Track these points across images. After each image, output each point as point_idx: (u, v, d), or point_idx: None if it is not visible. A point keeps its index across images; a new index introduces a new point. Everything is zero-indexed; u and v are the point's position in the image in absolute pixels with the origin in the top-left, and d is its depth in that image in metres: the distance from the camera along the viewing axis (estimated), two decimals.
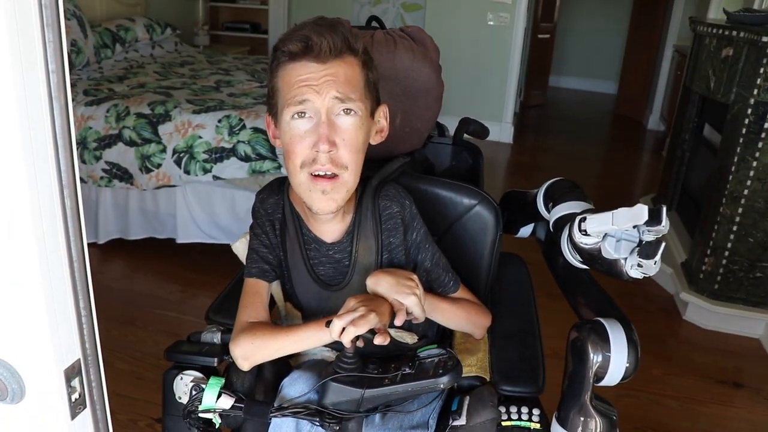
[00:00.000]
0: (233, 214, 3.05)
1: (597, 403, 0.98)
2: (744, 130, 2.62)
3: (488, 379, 1.18)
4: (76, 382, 0.76)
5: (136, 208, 3.14)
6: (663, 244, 0.78)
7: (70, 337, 0.74)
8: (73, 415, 0.76)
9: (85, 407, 0.78)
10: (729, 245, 2.72)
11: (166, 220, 3.14)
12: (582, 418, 0.97)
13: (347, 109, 1.03)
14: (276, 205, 1.19)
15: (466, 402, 1.10)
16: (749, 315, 2.73)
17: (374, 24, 1.43)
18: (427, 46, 1.29)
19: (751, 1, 3.54)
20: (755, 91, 2.56)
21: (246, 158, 2.86)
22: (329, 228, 1.15)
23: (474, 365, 1.20)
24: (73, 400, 0.75)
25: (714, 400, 2.35)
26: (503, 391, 1.15)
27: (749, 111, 2.59)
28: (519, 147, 5.52)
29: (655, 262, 0.80)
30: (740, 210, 2.67)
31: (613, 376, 0.95)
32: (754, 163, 2.60)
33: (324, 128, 1.01)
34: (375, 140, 1.14)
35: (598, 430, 0.97)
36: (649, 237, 0.81)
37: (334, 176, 1.04)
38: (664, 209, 0.76)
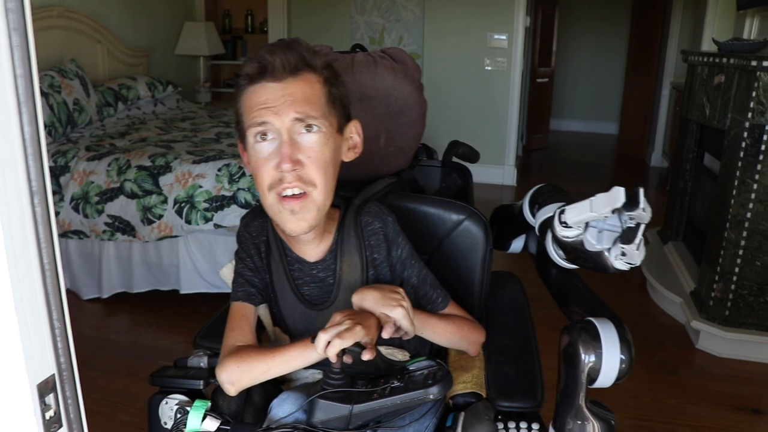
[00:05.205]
0: None
1: (592, 406, 0.95)
2: (742, 154, 2.61)
3: (484, 396, 1.15)
4: (50, 399, 0.74)
5: (139, 260, 3.14)
6: (643, 227, 0.76)
7: (43, 351, 0.72)
8: None
9: (60, 426, 0.75)
10: (736, 270, 2.68)
11: (169, 272, 3.13)
12: (579, 422, 0.93)
13: (309, 125, 1.02)
14: (260, 227, 1.19)
15: (461, 418, 1.06)
16: (764, 340, 2.66)
17: (357, 50, 1.45)
18: (408, 65, 1.30)
19: (741, 32, 3.58)
20: (749, 115, 2.56)
21: (246, 205, 2.87)
22: (311, 248, 1.14)
23: (469, 382, 1.16)
24: (47, 418, 0.73)
25: (734, 428, 2.27)
26: (501, 407, 1.12)
27: (745, 134, 2.59)
28: (523, 190, 5.52)
29: (638, 247, 0.77)
30: (745, 233, 2.64)
31: (607, 376, 0.92)
32: (755, 186, 2.58)
33: (286, 148, 1.01)
34: (348, 157, 1.13)
35: None
36: (630, 225, 0.79)
37: (302, 194, 1.03)
38: (641, 191, 0.74)
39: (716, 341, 2.74)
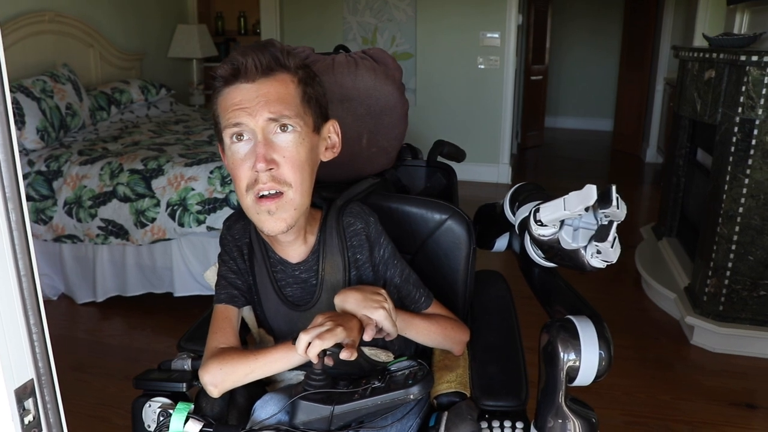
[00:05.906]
0: None
1: (573, 404, 0.95)
2: (733, 149, 2.61)
3: (468, 395, 1.15)
4: (29, 404, 0.74)
5: (133, 263, 3.14)
6: (615, 224, 0.76)
7: (21, 356, 0.72)
8: None
9: (40, 430, 0.76)
10: (730, 265, 2.68)
11: (163, 274, 3.13)
12: (560, 421, 0.93)
13: (283, 125, 1.02)
14: (243, 230, 1.19)
15: (444, 417, 1.06)
16: (757, 335, 2.66)
17: (340, 51, 1.44)
18: (389, 65, 1.30)
19: (731, 27, 3.58)
20: (740, 109, 2.57)
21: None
22: (293, 250, 1.14)
23: (453, 381, 1.16)
24: (26, 422, 0.73)
25: (729, 423, 2.28)
26: (485, 406, 1.11)
27: (736, 129, 2.59)
28: None
29: (612, 245, 0.78)
30: (737, 228, 2.64)
31: (586, 374, 0.92)
32: (746, 181, 2.59)
33: (260, 148, 1.01)
34: (326, 156, 1.13)
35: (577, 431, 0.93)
36: (604, 222, 0.79)
37: (278, 194, 1.03)
38: (614, 188, 0.74)
39: (710, 336, 2.74)
